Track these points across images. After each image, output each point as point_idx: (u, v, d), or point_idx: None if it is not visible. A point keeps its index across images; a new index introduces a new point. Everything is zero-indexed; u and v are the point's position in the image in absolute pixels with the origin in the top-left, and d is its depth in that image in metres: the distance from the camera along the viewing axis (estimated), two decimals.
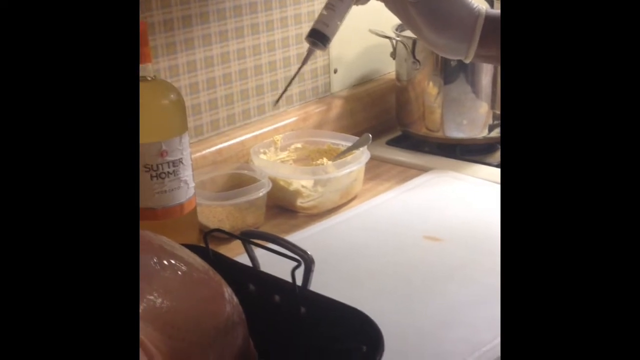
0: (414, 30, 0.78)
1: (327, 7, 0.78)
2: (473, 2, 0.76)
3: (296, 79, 0.83)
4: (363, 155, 1.06)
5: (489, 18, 0.75)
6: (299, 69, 0.81)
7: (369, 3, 0.80)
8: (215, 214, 0.96)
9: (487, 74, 1.15)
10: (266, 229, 0.98)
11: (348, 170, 1.03)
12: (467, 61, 0.78)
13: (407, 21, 0.78)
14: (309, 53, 0.79)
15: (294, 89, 1.22)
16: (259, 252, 0.73)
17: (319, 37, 0.77)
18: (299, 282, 0.66)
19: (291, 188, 1.02)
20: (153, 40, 0.99)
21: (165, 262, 0.60)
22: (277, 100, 0.87)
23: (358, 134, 1.14)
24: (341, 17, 0.78)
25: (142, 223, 0.84)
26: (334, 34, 0.78)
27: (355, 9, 0.81)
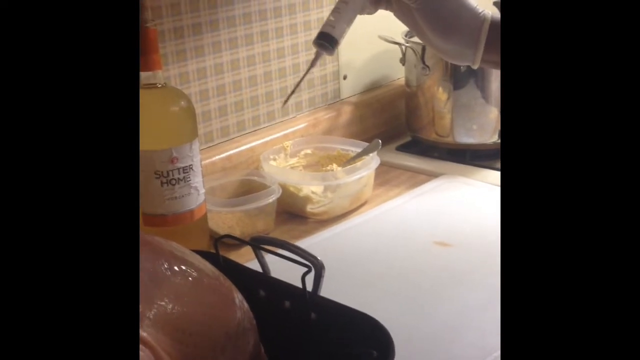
0: (420, 37, 0.78)
1: (334, 11, 0.79)
2: (478, 7, 0.76)
3: (306, 84, 0.84)
4: (373, 161, 1.06)
5: (495, 23, 0.75)
6: (307, 71, 0.81)
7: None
8: (225, 221, 0.96)
9: (497, 79, 1.15)
10: (276, 235, 0.98)
11: (358, 176, 1.03)
12: (475, 67, 0.77)
13: (413, 27, 0.78)
14: (317, 56, 0.80)
15: (304, 95, 1.22)
16: (269, 258, 0.73)
17: (326, 39, 0.78)
18: (309, 287, 0.66)
19: (301, 194, 1.02)
20: (163, 47, 0.99)
21: (176, 267, 0.60)
22: (285, 101, 0.87)
23: (368, 139, 1.14)
24: (348, 20, 0.79)
25: (153, 229, 0.85)
26: (341, 36, 0.79)
27: (364, 16, 0.81)
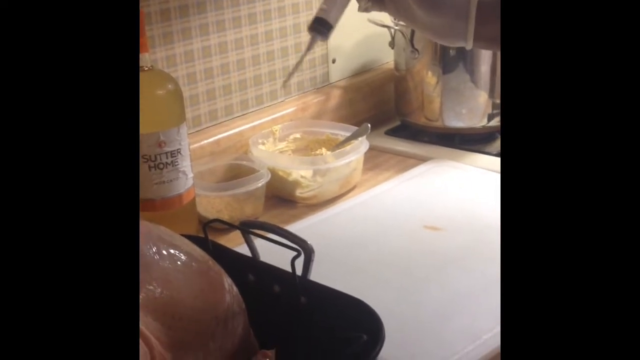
0: (411, 21, 0.79)
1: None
2: None
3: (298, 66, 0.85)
4: (362, 145, 1.06)
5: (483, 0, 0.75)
6: (304, 54, 0.82)
7: None
8: (214, 205, 0.96)
9: (486, 62, 1.15)
10: (265, 219, 0.97)
11: (347, 160, 1.03)
12: (469, 46, 0.77)
13: (403, 12, 0.78)
14: (313, 41, 0.81)
15: (293, 79, 1.21)
16: (258, 243, 0.73)
17: (322, 24, 0.79)
18: (298, 272, 0.65)
19: (290, 178, 1.02)
20: (150, 30, 0.98)
21: (165, 252, 0.59)
22: (286, 81, 0.88)
23: (357, 123, 1.13)
24: (342, 5, 0.80)
25: (141, 214, 0.85)
26: (336, 21, 0.80)
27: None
